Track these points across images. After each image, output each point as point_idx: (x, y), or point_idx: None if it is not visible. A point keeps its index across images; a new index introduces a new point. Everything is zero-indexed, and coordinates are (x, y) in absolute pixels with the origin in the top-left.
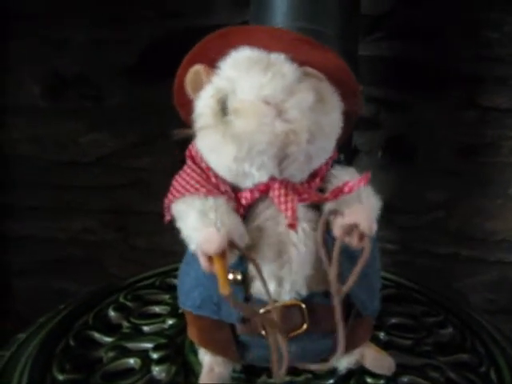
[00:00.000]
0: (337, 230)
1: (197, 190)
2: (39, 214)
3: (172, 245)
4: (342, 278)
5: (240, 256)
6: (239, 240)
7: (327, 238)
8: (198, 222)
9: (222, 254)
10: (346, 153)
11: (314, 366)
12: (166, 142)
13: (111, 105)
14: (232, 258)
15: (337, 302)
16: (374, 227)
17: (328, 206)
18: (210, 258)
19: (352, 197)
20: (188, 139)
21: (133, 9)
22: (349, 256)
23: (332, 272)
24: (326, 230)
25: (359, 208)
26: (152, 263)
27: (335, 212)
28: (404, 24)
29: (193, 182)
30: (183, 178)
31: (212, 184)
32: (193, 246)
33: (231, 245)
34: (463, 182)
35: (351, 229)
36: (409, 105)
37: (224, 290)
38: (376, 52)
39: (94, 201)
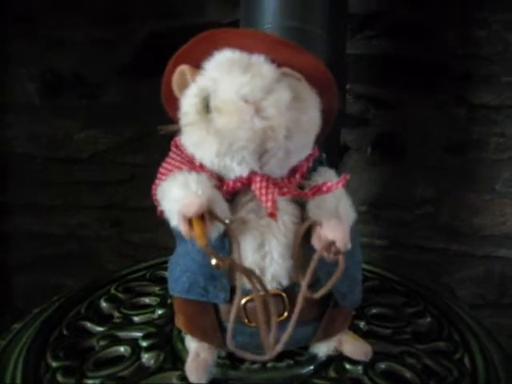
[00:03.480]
0: (314, 240)
1: (180, 169)
2: (36, 211)
3: (167, 240)
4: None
5: (222, 240)
6: (220, 213)
7: (303, 245)
8: (179, 192)
9: (201, 218)
10: (335, 149)
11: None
12: (159, 139)
13: (106, 102)
14: (213, 232)
15: (298, 307)
16: (349, 245)
17: (309, 212)
18: (190, 224)
19: (330, 205)
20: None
21: (127, 8)
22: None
23: (304, 282)
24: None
25: (337, 225)
26: (142, 259)
27: (314, 222)
28: (393, 23)
29: (177, 164)
30: (168, 162)
31: (196, 166)
32: (174, 220)
33: (211, 214)
34: (451, 178)
35: (328, 246)
36: (398, 102)
37: (201, 240)
38: (365, 50)
39: (90, 197)
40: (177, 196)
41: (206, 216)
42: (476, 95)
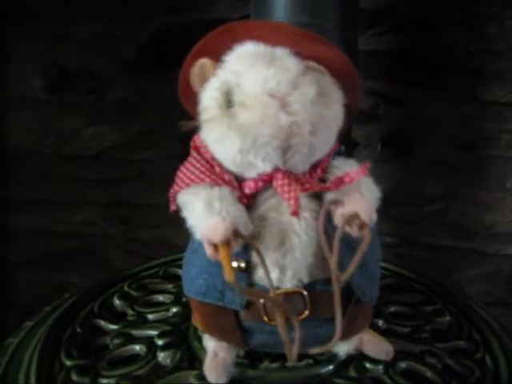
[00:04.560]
0: (337, 220)
1: (202, 180)
2: (41, 207)
3: (174, 237)
4: (341, 266)
5: (244, 244)
6: (243, 229)
7: (328, 227)
8: (203, 211)
9: (227, 243)
10: (346, 146)
11: (313, 350)
12: (167, 135)
13: (113, 98)
14: (236, 247)
15: (336, 289)
16: (374, 216)
17: (329, 196)
18: (215, 247)
19: (352, 187)
20: (190, 132)
21: (134, 3)
22: (349, 245)
23: (332, 260)
24: (327, 220)
25: (359, 198)
26: (154, 256)
27: (336, 201)
28: (403, 18)
29: (197, 173)
30: (188, 168)
31: (216, 174)
32: (198, 235)
33: (235, 234)
34: (462, 175)
35: (352, 218)
36: (408, 98)
37: (229, 276)
38: (376, 46)
39: (96, 194)
40: (200, 214)
41: (231, 240)
42: (487, 91)
